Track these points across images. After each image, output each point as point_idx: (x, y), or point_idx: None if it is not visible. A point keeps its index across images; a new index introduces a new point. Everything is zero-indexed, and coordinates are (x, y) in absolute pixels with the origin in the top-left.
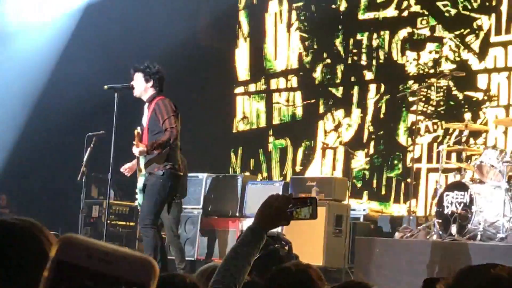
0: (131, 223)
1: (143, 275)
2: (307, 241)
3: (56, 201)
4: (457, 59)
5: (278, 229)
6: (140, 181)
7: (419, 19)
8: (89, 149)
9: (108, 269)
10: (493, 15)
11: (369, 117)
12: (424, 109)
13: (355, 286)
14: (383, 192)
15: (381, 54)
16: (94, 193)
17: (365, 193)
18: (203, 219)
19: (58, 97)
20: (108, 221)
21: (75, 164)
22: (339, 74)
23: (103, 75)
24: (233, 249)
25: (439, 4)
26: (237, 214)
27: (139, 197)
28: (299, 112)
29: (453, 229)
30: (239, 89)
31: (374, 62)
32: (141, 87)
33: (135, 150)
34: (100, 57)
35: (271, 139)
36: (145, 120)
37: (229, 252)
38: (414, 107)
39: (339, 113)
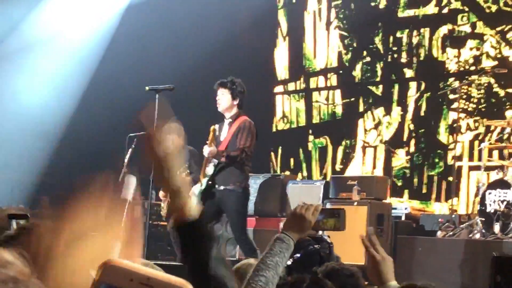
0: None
1: None
2: (349, 241)
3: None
4: (498, 55)
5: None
6: (201, 185)
7: (459, 16)
8: (130, 150)
9: None
10: None
11: (409, 115)
12: (465, 107)
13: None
14: (424, 191)
15: (421, 52)
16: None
17: (406, 191)
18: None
19: (100, 99)
20: (150, 222)
21: (117, 165)
22: (379, 72)
23: (144, 76)
24: (262, 260)
25: (479, 0)
26: (278, 214)
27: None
28: (338, 110)
29: (496, 227)
30: (278, 88)
31: (414, 59)
32: (227, 103)
33: (206, 149)
34: (141, 58)
35: (311, 138)
36: (224, 135)
37: (258, 263)
38: (455, 105)
39: (379, 111)
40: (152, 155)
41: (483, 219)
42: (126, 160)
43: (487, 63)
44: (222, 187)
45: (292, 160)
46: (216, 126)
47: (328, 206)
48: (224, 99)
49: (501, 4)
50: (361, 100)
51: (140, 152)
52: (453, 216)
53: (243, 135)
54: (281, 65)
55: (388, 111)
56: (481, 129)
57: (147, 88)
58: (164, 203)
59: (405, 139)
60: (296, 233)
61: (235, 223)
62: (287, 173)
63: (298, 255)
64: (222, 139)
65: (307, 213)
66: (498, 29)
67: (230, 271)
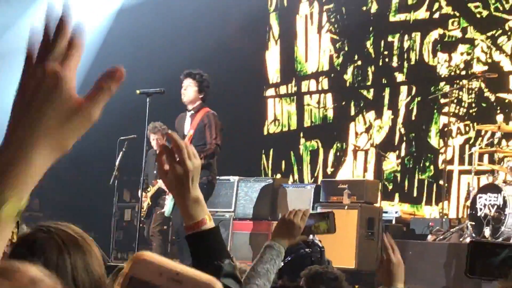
0: (164, 227)
1: None
2: (340, 244)
3: (88, 205)
4: (489, 60)
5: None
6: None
7: (450, 21)
8: (121, 153)
9: None
10: None
11: (400, 119)
12: (456, 111)
13: None
14: (414, 194)
15: (412, 56)
16: (126, 197)
17: (397, 195)
18: (235, 222)
19: None
20: (141, 225)
21: (107, 168)
22: (370, 76)
23: (134, 80)
24: (253, 268)
25: (470, 5)
26: (269, 217)
27: (170, 205)
28: (330, 114)
29: (487, 231)
30: (270, 92)
31: (405, 63)
32: (193, 95)
33: None
34: (131, 62)
35: (302, 141)
36: (187, 128)
37: (249, 271)
38: (445, 109)
39: (370, 115)
40: (179, 166)
41: (474, 223)
42: (117, 163)
43: (478, 68)
44: None
45: (283, 163)
46: (178, 118)
47: (319, 209)
48: (190, 90)
49: (492, 9)
50: (352, 104)
51: (159, 161)
52: (443, 220)
53: (212, 129)
54: (273, 68)
55: (379, 115)
56: (472, 134)
57: (138, 91)
58: (144, 203)
59: (396, 143)
60: (286, 239)
61: None
62: (278, 176)
63: (289, 258)
64: (186, 132)
65: (296, 219)
66: (489, 34)
67: (240, 282)
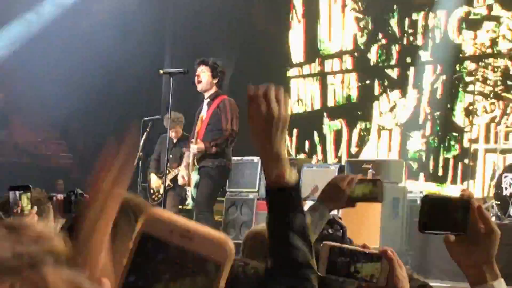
0: (188, 207)
1: (221, 254)
2: (364, 224)
3: None
4: None
5: (334, 212)
6: (194, 178)
7: None
8: (145, 133)
9: (189, 245)
10: None
11: (425, 98)
12: (481, 89)
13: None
14: (440, 174)
15: (437, 34)
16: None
17: (422, 174)
18: (259, 202)
19: (114, 81)
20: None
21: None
22: (395, 55)
23: (158, 60)
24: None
25: None
26: None
27: (193, 192)
28: (354, 93)
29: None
30: (293, 71)
31: (430, 42)
32: (207, 81)
33: (193, 147)
34: (155, 42)
35: (326, 121)
36: (204, 115)
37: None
38: (471, 88)
39: (395, 94)
40: (268, 113)
41: (499, 202)
42: (141, 144)
43: (503, 45)
44: (199, 168)
45: (307, 143)
46: (198, 110)
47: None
48: (204, 76)
49: None
50: (376, 83)
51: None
52: None
53: (227, 115)
54: (296, 48)
55: (403, 94)
56: (498, 112)
57: (161, 71)
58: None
59: (421, 122)
60: (331, 203)
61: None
62: (302, 156)
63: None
64: (204, 119)
65: (342, 183)
66: None
67: (310, 246)
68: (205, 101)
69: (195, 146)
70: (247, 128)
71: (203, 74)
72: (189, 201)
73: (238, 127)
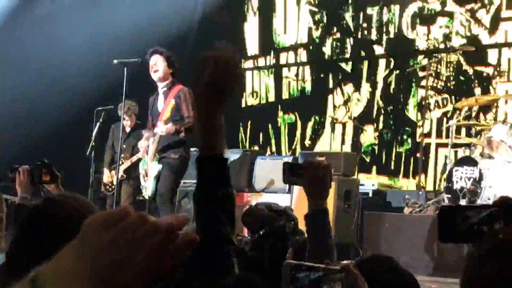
0: (141, 198)
1: None
2: None
3: (65, 176)
4: (468, 34)
5: (287, 204)
6: (155, 168)
7: None
8: (98, 124)
9: None
10: None
11: (378, 92)
12: (434, 84)
13: (380, 261)
14: (392, 167)
15: (391, 29)
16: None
17: (374, 167)
18: None
19: (66, 72)
20: (111, 193)
21: (84, 139)
22: (349, 49)
23: (112, 50)
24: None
25: None
26: (246, 189)
27: (153, 183)
28: (308, 86)
29: (463, 204)
30: (248, 64)
31: (384, 36)
32: (162, 70)
33: (162, 127)
34: (108, 32)
35: (280, 114)
36: (161, 106)
37: (309, 244)
38: (424, 82)
39: (349, 88)
40: (212, 79)
41: (450, 195)
42: (94, 134)
43: (456, 41)
44: (160, 158)
45: (261, 135)
46: (151, 99)
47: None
48: (160, 66)
49: None
50: (330, 77)
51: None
52: (420, 192)
53: (188, 104)
54: (251, 40)
55: (357, 88)
56: (450, 107)
57: (115, 61)
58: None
59: (374, 115)
60: (324, 196)
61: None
62: (256, 148)
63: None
64: (160, 110)
65: (324, 172)
66: (468, 7)
67: (232, 220)
68: (161, 91)
69: (165, 126)
70: None
71: (159, 64)
72: (146, 192)
73: None
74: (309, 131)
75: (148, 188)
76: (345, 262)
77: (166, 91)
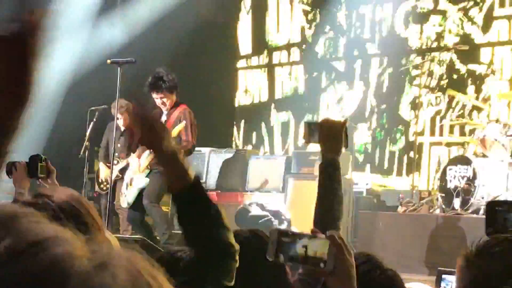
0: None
1: None
2: (310, 216)
3: (58, 176)
4: (461, 32)
5: (279, 204)
6: (142, 181)
7: None
8: (91, 123)
9: None
10: None
11: (371, 91)
12: (427, 83)
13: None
14: (385, 166)
15: (384, 28)
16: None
17: (368, 166)
18: None
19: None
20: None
21: (78, 139)
22: (342, 48)
23: (105, 50)
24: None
25: None
26: (240, 189)
27: (133, 194)
28: (301, 86)
29: (456, 203)
30: (241, 63)
31: (377, 35)
32: (170, 104)
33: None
34: (102, 33)
35: (273, 113)
36: (165, 122)
37: (319, 193)
38: (417, 81)
39: (342, 87)
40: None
41: (443, 194)
42: (87, 134)
43: (449, 40)
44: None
45: (254, 135)
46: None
47: (291, 181)
48: (169, 102)
49: None
50: (323, 76)
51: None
52: (414, 191)
53: (187, 127)
54: (244, 39)
55: (350, 87)
56: (443, 105)
57: (108, 61)
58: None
59: (367, 114)
60: (336, 150)
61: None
62: (249, 147)
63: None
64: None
65: (337, 126)
66: (461, 5)
67: (230, 233)
68: (164, 108)
69: None
70: (197, 119)
71: (168, 101)
72: (125, 198)
73: (195, 141)
74: (302, 131)
75: (128, 196)
76: (331, 231)
77: (170, 110)
